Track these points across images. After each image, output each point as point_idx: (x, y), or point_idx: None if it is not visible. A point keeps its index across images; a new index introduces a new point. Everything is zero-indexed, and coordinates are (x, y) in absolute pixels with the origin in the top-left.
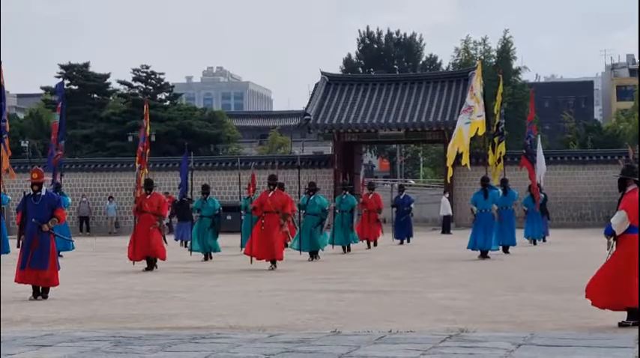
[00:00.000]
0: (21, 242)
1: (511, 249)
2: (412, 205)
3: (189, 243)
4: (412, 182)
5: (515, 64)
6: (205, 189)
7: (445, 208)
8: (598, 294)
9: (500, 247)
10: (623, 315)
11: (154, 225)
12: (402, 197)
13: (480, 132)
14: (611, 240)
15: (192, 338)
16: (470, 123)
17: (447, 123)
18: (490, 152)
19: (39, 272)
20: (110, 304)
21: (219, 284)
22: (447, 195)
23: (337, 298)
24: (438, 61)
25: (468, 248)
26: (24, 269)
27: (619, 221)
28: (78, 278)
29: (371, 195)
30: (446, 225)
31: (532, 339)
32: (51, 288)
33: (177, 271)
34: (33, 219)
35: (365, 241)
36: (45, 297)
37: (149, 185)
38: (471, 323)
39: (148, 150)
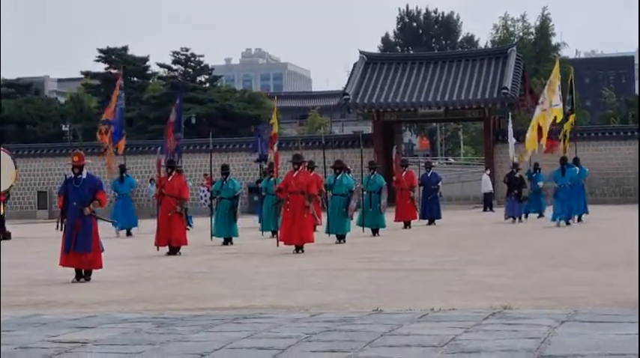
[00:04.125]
0: (64, 225)
1: (551, 227)
2: (440, 183)
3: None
4: (452, 160)
5: (554, 41)
6: (225, 170)
7: (486, 185)
8: None
9: (576, 216)
10: None
11: (173, 210)
12: (429, 175)
13: (558, 120)
14: None
15: (234, 319)
16: (546, 111)
17: (486, 100)
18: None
19: (82, 255)
20: (153, 286)
21: (260, 264)
22: (489, 172)
23: (379, 277)
24: (475, 39)
25: (551, 220)
26: (68, 252)
27: None
28: (121, 260)
29: (404, 172)
30: (487, 202)
31: (576, 316)
32: (94, 271)
33: (216, 253)
34: (74, 203)
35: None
36: (88, 279)
37: (171, 164)
38: (513, 301)
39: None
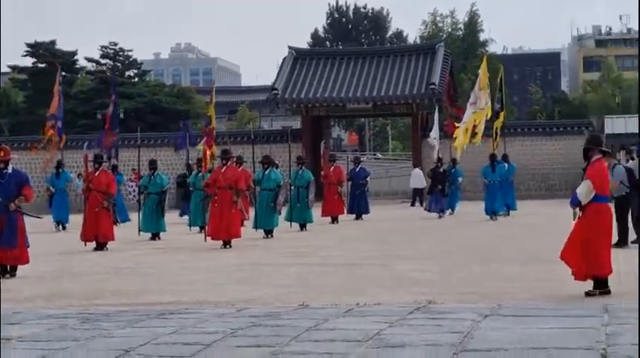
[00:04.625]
0: None
1: (479, 222)
2: (368, 178)
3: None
4: (380, 155)
5: (482, 37)
6: (152, 165)
7: (416, 180)
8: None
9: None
10: (590, 285)
11: (100, 205)
12: (357, 170)
13: (488, 117)
14: (577, 210)
15: (160, 314)
16: (477, 112)
17: (414, 96)
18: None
19: (7, 250)
20: (79, 281)
21: (187, 259)
22: (419, 168)
23: (306, 272)
24: (404, 35)
25: (485, 213)
26: None
27: (584, 190)
28: (48, 255)
29: (332, 167)
30: (416, 197)
31: (499, 310)
32: (20, 266)
33: (143, 248)
34: (0, 198)
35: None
36: (13, 275)
37: (98, 159)
38: (438, 295)
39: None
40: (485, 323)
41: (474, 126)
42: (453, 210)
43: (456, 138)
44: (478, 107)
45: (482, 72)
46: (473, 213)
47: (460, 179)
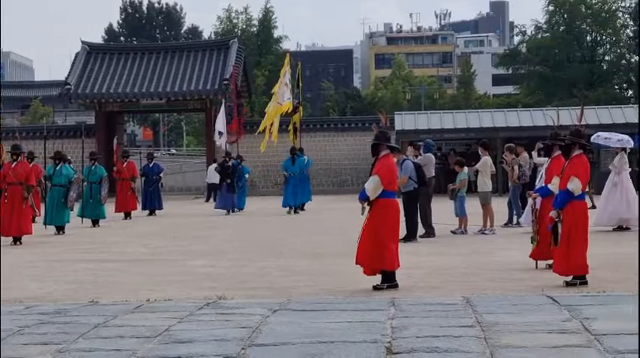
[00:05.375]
0: None
1: (270, 217)
2: (162, 174)
3: None
4: (174, 151)
5: (276, 33)
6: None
7: (212, 176)
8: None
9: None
10: (378, 279)
11: (24, 196)
12: (151, 165)
13: (289, 112)
14: (366, 204)
15: None
16: (280, 105)
17: (207, 91)
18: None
19: None
20: None
21: None
22: (216, 164)
23: (97, 268)
24: (199, 30)
25: (283, 206)
26: None
27: (372, 185)
28: None
29: (125, 163)
30: (211, 193)
31: (288, 305)
32: None
33: None
34: None
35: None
36: None
37: (16, 149)
38: (229, 291)
39: None
40: (274, 318)
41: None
42: (241, 206)
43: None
44: (280, 102)
45: (284, 69)
46: (264, 208)
47: (247, 175)
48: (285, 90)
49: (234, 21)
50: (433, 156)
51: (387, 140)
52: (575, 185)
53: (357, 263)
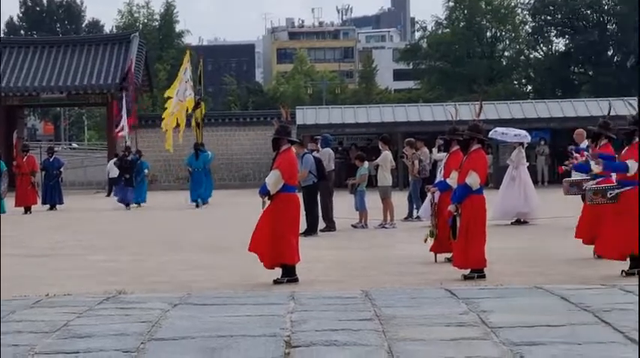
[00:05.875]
0: None
1: (174, 210)
2: (62, 168)
3: None
4: (76, 145)
5: (178, 28)
6: None
7: (113, 171)
8: (260, 254)
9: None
10: (278, 273)
11: None
12: (51, 160)
13: (190, 108)
14: (266, 199)
15: None
16: (182, 103)
17: (108, 86)
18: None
19: None
20: None
21: None
22: (116, 158)
23: None
24: (101, 24)
25: (191, 201)
26: None
27: (273, 180)
28: None
29: (25, 157)
30: (112, 187)
31: (189, 299)
32: None
33: None
34: None
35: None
36: None
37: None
38: (130, 285)
39: None
40: (174, 312)
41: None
42: (142, 200)
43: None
44: (182, 99)
45: (184, 65)
46: (165, 202)
47: (146, 170)
48: (187, 87)
49: (136, 15)
50: (331, 151)
51: (287, 134)
52: (473, 179)
53: (250, 250)
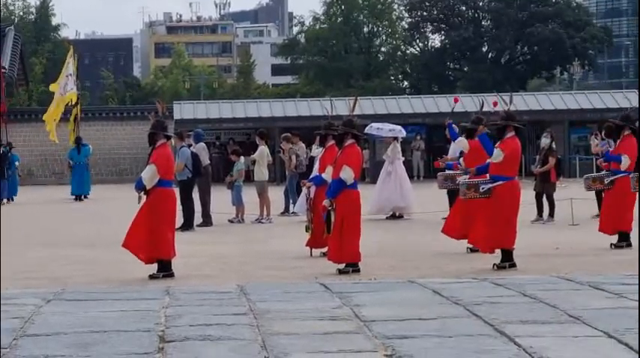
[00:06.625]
0: None
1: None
2: None
3: None
4: None
5: (54, 21)
6: None
7: None
8: (136, 249)
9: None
10: (154, 268)
11: None
12: None
13: (73, 102)
14: (142, 193)
15: None
16: (62, 96)
17: None
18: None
19: None
20: None
21: None
22: None
23: None
24: None
25: (72, 194)
26: None
27: (149, 175)
28: None
29: None
30: None
31: (62, 294)
32: None
33: None
34: None
35: None
36: None
37: None
38: (3, 281)
39: None
40: (47, 308)
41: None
42: (13, 194)
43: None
44: (62, 93)
45: (68, 59)
46: (40, 197)
47: (17, 163)
48: (68, 82)
49: (11, 8)
50: (205, 145)
51: (163, 129)
52: (347, 174)
53: (123, 245)
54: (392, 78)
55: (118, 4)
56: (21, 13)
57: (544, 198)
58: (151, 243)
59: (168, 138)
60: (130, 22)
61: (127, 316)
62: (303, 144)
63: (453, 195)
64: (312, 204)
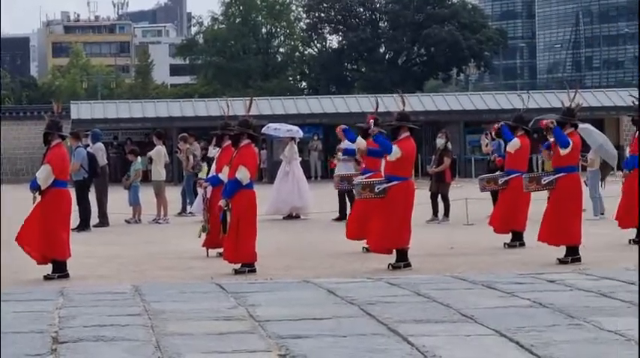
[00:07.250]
0: None
1: None
2: None
3: None
4: None
5: None
6: None
7: None
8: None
9: None
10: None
11: None
12: None
13: None
14: (37, 194)
15: None
16: None
17: None
18: None
19: None
20: None
21: None
22: None
23: None
24: None
25: None
26: None
27: (44, 175)
28: None
29: None
30: None
31: None
32: None
33: None
34: None
35: None
36: None
37: None
38: None
39: None
40: None
41: None
42: None
43: None
44: None
45: None
46: None
47: None
48: None
49: None
50: (102, 145)
51: (58, 129)
52: (242, 174)
53: (16, 240)
54: (290, 78)
55: (14, 3)
56: None
57: (439, 198)
58: (45, 244)
59: (63, 138)
60: (27, 21)
61: (20, 317)
62: (199, 145)
63: (344, 197)
64: (209, 204)
